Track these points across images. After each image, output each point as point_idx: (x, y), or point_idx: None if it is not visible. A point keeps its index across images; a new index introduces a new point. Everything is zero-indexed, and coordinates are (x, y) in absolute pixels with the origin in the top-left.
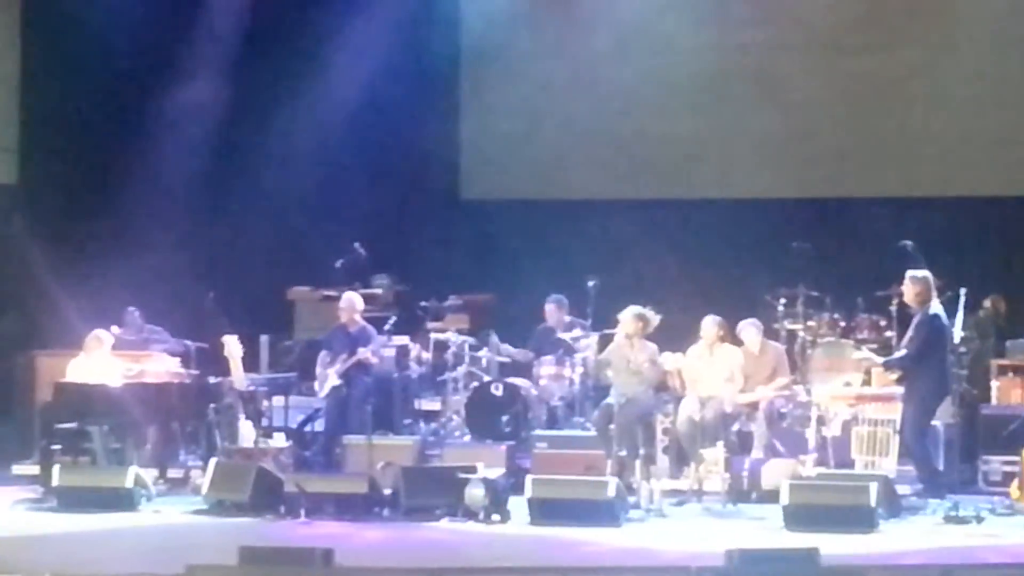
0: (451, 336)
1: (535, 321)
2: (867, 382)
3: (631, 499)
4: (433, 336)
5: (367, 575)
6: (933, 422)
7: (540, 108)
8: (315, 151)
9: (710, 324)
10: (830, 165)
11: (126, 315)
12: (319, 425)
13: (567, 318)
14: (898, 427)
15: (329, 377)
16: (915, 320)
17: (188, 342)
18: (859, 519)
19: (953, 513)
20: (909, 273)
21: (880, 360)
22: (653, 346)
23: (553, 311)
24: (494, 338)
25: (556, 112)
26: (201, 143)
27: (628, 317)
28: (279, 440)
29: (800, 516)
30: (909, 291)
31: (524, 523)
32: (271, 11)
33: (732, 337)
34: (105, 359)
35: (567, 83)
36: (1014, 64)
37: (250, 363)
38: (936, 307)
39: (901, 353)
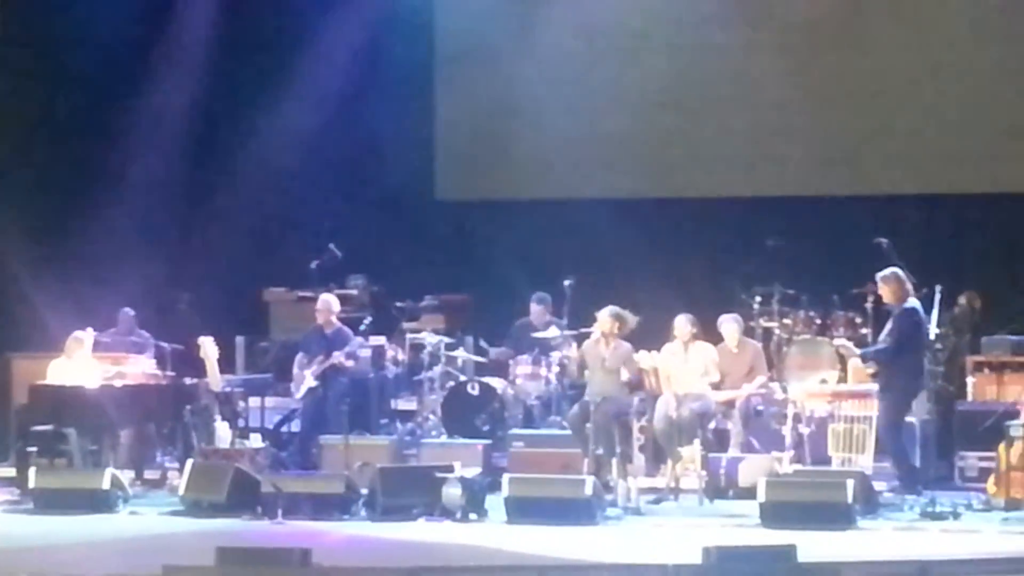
0: (427, 336)
1: (511, 321)
2: (843, 379)
3: (608, 497)
4: (409, 336)
5: (345, 575)
6: (909, 419)
7: (514, 108)
8: (289, 152)
9: (683, 322)
10: (804, 163)
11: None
12: (295, 426)
13: (548, 317)
14: (875, 423)
15: (305, 378)
16: (894, 314)
17: (164, 344)
18: (836, 516)
19: (930, 509)
20: (878, 275)
21: (858, 351)
22: (627, 345)
23: (541, 311)
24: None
25: (530, 112)
26: (174, 145)
27: (605, 316)
28: (255, 441)
29: (777, 513)
30: (885, 291)
31: (501, 522)
32: (244, 14)
33: (708, 335)
34: (86, 361)
35: (541, 82)
36: (989, 61)
37: (226, 364)
38: (913, 301)
39: (880, 346)
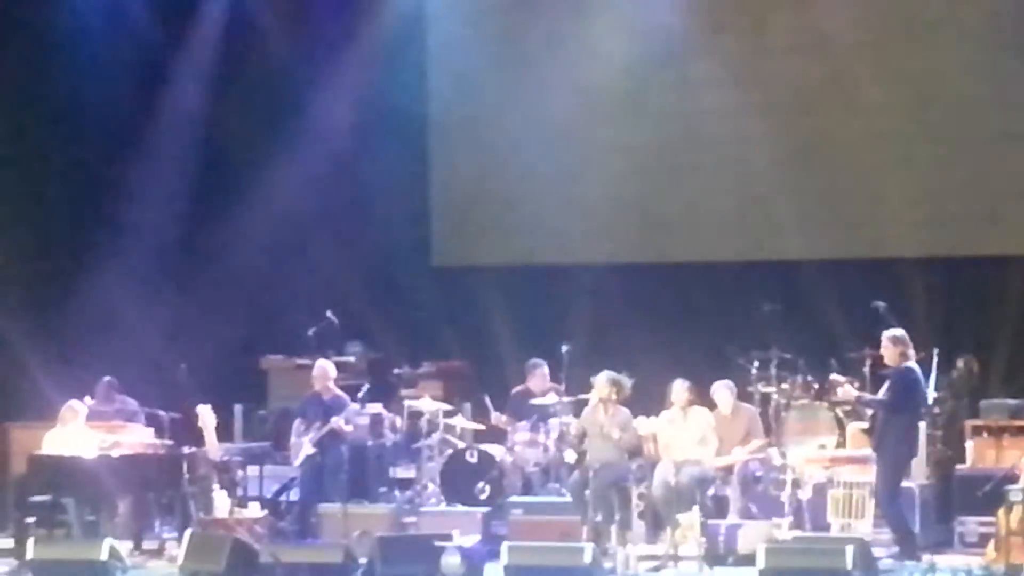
0: (425, 403)
1: (509, 387)
2: (841, 444)
3: (607, 565)
4: (407, 403)
5: None
6: (908, 483)
7: (509, 173)
8: (286, 218)
9: (680, 388)
10: (800, 226)
11: (100, 385)
12: (294, 494)
13: (547, 383)
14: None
15: (303, 446)
16: (890, 375)
17: (162, 412)
18: None
19: (930, 575)
20: (886, 334)
21: (855, 393)
22: (626, 411)
23: (542, 376)
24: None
25: (525, 177)
26: (171, 212)
27: (602, 382)
28: (254, 510)
29: None
30: (888, 351)
31: None
32: (237, 85)
33: (705, 400)
34: (81, 430)
35: (536, 148)
36: (978, 125)
37: (224, 433)
38: (912, 364)
39: (879, 397)
